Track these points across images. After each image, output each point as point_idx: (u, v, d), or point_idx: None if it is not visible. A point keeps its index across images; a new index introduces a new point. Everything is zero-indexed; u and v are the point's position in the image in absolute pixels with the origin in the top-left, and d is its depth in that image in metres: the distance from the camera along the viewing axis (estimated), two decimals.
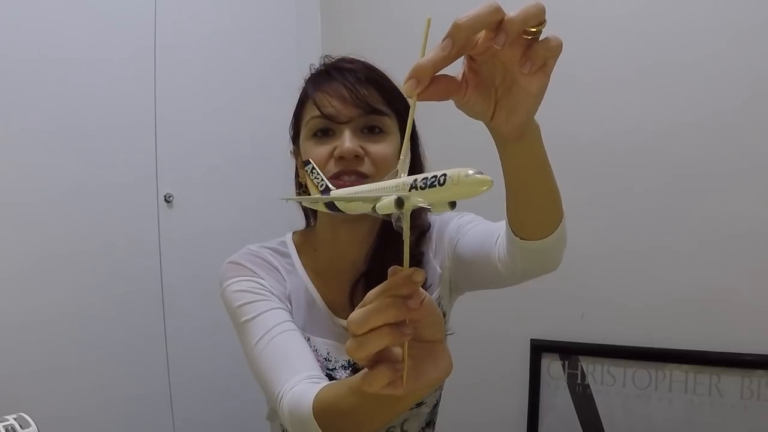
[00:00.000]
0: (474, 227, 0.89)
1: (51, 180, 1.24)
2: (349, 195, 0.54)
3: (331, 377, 0.87)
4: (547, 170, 0.64)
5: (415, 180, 0.46)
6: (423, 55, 0.46)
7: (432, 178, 0.45)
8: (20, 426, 0.70)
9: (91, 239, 1.31)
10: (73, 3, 1.27)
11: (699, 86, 1.39)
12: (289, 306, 0.88)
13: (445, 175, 0.43)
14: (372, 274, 0.89)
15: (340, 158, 0.80)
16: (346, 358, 0.88)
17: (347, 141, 0.80)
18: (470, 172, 0.42)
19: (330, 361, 0.89)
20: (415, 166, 0.92)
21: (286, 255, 0.93)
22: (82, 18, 1.28)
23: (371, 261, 0.90)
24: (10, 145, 1.19)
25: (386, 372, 0.47)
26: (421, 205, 0.47)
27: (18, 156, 1.20)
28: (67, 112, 1.26)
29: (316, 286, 0.91)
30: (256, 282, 0.86)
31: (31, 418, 0.72)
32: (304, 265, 0.92)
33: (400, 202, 0.47)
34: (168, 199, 1.43)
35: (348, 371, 0.89)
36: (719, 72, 1.37)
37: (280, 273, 0.90)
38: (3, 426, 0.70)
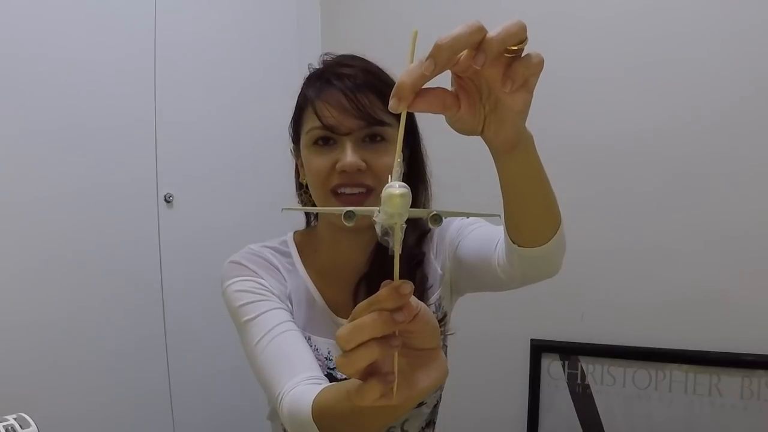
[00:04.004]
0: (475, 230, 0.89)
1: (51, 180, 1.24)
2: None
3: (331, 377, 0.87)
4: (542, 179, 0.64)
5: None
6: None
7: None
8: (20, 426, 0.70)
9: (91, 239, 1.31)
10: (73, 3, 1.27)
11: (699, 86, 1.39)
12: (290, 306, 0.88)
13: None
14: (373, 275, 0.89)
15: (342, 171, 0.80)
16: None
17: (349, 155, 0.80)
18: (395, 185, 0.44)
19: (331, 360, 0.89)
20: (418, 170, 0.91)
21: (287, 254, 0.93)
22: (81, 18, 1.28)
23: (372, 262, 0.90)
24: (10, 145, 1.18)
25: (377, 386, 0.47)
26: (375, 220, 0.47)
27: (18, 156, 1.20)
28: (67, 112, 1.26)
29: (317, 286, 0.91)
30: (257, 282, 0.86)
31: (31, 418, 0.72)
32: (305, 265, 0.92)
33: (348, 215, 0.48)
34: (168, 199, 1.43)
35: None
36: (720, 71, 1.37)
37: (281, 272, 0.90)
38: (3, 426, 0.70)
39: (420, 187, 0.92)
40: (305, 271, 0.92)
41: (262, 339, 0.80)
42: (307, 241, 0.95)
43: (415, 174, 0.91)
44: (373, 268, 0.89)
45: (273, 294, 0.86)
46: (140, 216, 1.40)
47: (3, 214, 1.18)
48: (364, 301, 0.47)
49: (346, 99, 0.80)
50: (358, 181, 0.81)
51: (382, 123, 0.82)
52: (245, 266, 0.88)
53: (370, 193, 0.81)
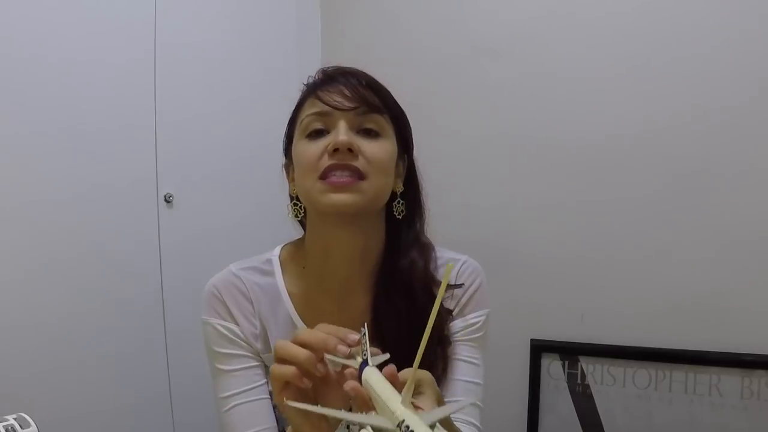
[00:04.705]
0: (459, 363, 0.86)
1: (51, 180, 1.24)
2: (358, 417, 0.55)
3: None
4: None
5: (404, 422, 0.48)
6: (442, 294, 0.47)
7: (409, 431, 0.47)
8: (20, 426, 0.70)
9: (91, 240, 1.31)
10: (73, 4, 1.27)
11: (700, 86, 1.39)
12: (259, 344, 0.86)
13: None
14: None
15: (335, 151, 0.77)
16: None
17: (342, 134, 0.78)
18: None
19: None
20: (415, 195, 0.90)
21: (269, 274, 0.89)
22: (81, 19, 1.28)
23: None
24: (9, 146, 1.19)
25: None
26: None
27: (18, 157, 1.20)
28: (67, 113, 1.26)
29: (299, 311, 0.87)
30: (233, 329, 0.85)
31: (31, 418, 0.72)
32: (288, 288, 0.88)
33: None
34: (168, 199, 1.43)
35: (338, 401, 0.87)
36: (719, 72, 1.37)
37: (254, 308, 0.87)
38: (3, 426, 0.70)
39: (416, 213, 0.90)
40: (287, 295, 0.87)
41: (229, 398, 0.84)
42: (293, 259, 0.90)
43: (412, 197, 0.89)
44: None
45: (246, 344, 0.86)
46: (140, 216, 1.40)
47: (3, 215, 1.18)
48: (322, 333, 0.62)
49: (348, 89, 0.81)
50: (349, 163, 0.77)
51: (378, 110, 0.81)
52: (224, 303, 0.86)
53: (361, 180, 0.78)
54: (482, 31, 1.58)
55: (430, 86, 1.61)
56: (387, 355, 0.60)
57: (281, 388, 0.61)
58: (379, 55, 1.49)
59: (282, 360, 0.62)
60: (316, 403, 0.62)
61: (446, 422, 0.68)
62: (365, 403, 0.55)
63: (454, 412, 0.75)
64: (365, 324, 0.64)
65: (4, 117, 1.17)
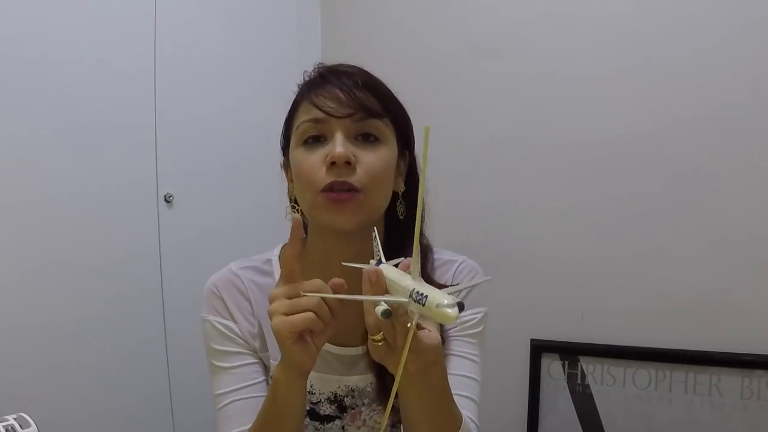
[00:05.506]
0: (453, 358, 0.86)
1: (51, 180, 1.25)
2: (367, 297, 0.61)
3: (314, 412, 0.86)
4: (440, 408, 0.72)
5: (414, 290, 0.52)
6: (425, 163, 0.51)
7: (420, 294, 0.51)
8: (20, 426, 0.70)
9: (91, 240, 1.31)
10: (73, 4, 1.27)
11: (697, 86, 1.39)
12: (257, 344, 0.86)
13: (426, 297, 0.49)
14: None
15: (332, 165, 0.76)
16: (332, 390, 0.86)
17: (339, 146, 0.76)
18: (444, 302, 0.47)
19: (314, 394, 0.85)
20: (416, 205, 0.89)
21: (268, 274, 0.89)
22: (82, 19, 1.28)
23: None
24: (9, 146, 1.19)
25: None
26: (412, 318, 0.54)
27: (17, 157, 1.20)
28: (67, 113, 1.26)
29: None
30: (231, 327, 0.85)
31: (31, 418, 0.72)
32: None
33: (386, 314, 0.54)
34: (168, 199, 1.44)
35: (333, 405, 0.86)
36: (719, 72, 1.37)
37: (252, 307, 0.87)
38: (3, 426, 0.70)
39: (416, 213, 0.89)
40: None
41: (226, 394, 0.83)
42: None
43: (412, 197, 0.87)
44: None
45: (244, 341, 0.85)
46: (140, 216, 1.40)
47: (3, 215, 1.18)
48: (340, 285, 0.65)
49: (342, 93, 0.79)
50: (347, 181, 0.76)
51: (377, 115, 0.79)
52: (222, 300, 0.86)
53: (358, 195, 0.77)
54: (482, 31, 1.58)
55: (430, 86, 1.60)
56: (401, 259, 0.65)
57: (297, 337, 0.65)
58: (379, 55, 1.49)
59: (292, 311, 0.64)
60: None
61: (446, 395, 0.72)
62: (383, 289, 0.60)
63: (467, 288, 0.79)
64: (375, 228, 0.70)
65: (4, 117, 1.17)
